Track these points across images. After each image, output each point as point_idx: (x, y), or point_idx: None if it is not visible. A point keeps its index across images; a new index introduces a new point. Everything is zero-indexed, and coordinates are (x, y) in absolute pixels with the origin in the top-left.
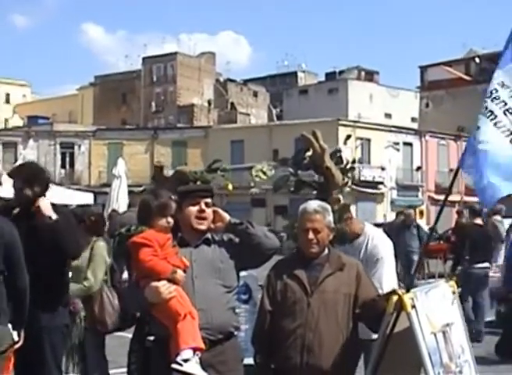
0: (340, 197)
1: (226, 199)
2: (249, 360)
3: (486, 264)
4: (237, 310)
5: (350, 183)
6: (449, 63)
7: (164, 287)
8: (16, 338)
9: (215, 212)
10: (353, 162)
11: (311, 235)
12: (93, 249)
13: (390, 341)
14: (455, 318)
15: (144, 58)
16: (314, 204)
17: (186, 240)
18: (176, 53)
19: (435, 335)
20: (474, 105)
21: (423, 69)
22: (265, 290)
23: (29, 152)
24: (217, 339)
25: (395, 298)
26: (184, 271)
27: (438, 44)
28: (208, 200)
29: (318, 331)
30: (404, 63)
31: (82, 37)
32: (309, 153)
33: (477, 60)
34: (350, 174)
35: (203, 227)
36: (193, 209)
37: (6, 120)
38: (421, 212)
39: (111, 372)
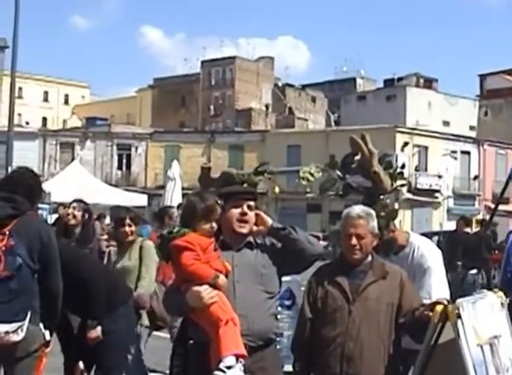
0: (388, 202)
1: (281, 204)
2: (289, 367)
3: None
4: (280, 316)
5: (405, 190)
6: (509, 71)
7: (206, 291)
8: (48, 338)
9: (257, 215)
10: (415, 169)
11: (353, 241)
12: (142, 249)
13: (434, 352)
14: (503, 330)
15: (202, 62)
16: (357, 209)
17: (228, 243)
18: (234, 57)
19: (481, 347)
20: None
21: (482, 77)
22: (306, 296)
23: (86, 153)
24: (257, 345)
25: (440, 307)
26: (226, 276)
27: (498, 52)
28: (251, 203)
29: (359, 340)
30: (463, 71)
31: (141, 39)
32: (358, 157)
33: None
34: (403, 181)
35: (244, 231)
36: (236, 212)
37: (65, 121)
38: (478, 222)
39: None
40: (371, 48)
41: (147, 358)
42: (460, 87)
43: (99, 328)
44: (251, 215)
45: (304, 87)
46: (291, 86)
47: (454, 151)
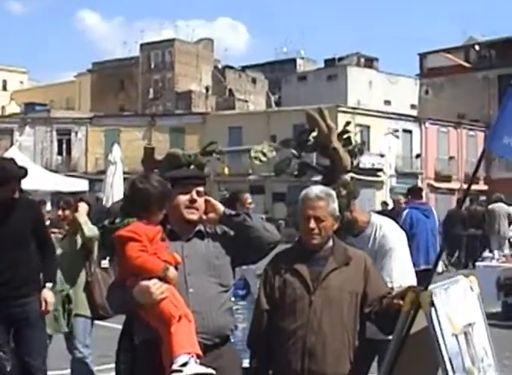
0: (348, 180)
1: (224, 186)
2: (246, 363)
3: None
4: (234, 307)
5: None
6: (448, 50)
7: (155, 286)
8: None
9: (207, 201)
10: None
11: (312, 224)
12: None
13: (405, 344)
14: (476, 317)
15: (141, 45)
16: (316, 189)
17: (177, 233)
18: (173, 39)
19: (456, 337)
20: (474, 92)
21: (422, 56)
22: (262, 286)
23: (25, 139)
24: (213, 343)
25: (411, 295)
26: (176, 268)
27: (437, 31)
28: (200, 188)
29: (321, 333)
30: (404, 50)
31: (79, 23)
32: (314, 133)
33: (476, 47)
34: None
35: (194, 217)
36: (183, 198)
37: (3, 107)
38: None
39: (100, 367)
40: (311, 28)
41: (94, 351)
42: (401, 66)
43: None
44: (201, 201)
45: (243, 68)
46: (231, 68)
47: (396, 130)
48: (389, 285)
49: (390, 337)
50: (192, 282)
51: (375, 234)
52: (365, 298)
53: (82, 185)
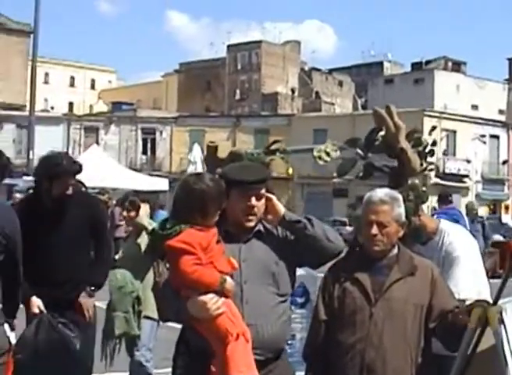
0: (417, 183)
1: (307, 189)
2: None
3: None
4: (292, 316)
5: (433, 175)
6: None
7: (211, 301)
8: (13, 341)
9: (268, 200)
10: (443, 153)
11: (374, 230)
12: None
13: (471, 363)
14: None
15: (228, 46)
16: (380, 192)
17: (234, 234)
18: (260, 41)
19: None
20: None
21: (511, 60)
22: (320, 295)
23: (110, 138)
24: (266, 359)
25: (478, 311)
26: (231, 276)
27: None
28: (261, 191)
29: (382, 348)
30: (492, 54)
31: (167, 24)
32: (382, 133)
33: None
34: (431, 162)
35: (251, 224)
36: (242, 204)
37: (91, 106)
38: (507, 208)
39: (161, 371)
40: (399, 31)
41: (155, 353)
42: (489, 70)
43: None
44: (260, 205)
45: (330, 71)
46: (318, 70)
47: (483, 136)
48: (456, 296)
49: (456, 354)
50: (248, 292)
51: (442, 241)
52: (431, 312)
53: (163, 185)
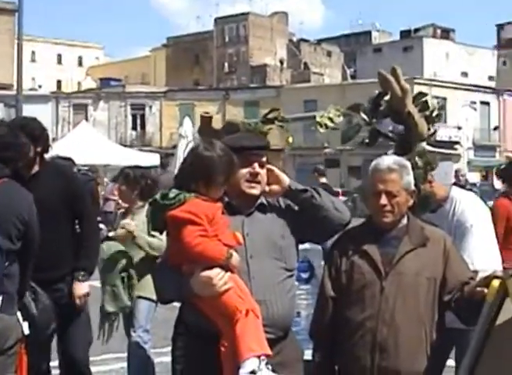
0: (426, 148)
1: (299, 159)
2: (309, 355)
3: None
4: (297, 292)
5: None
6: None
7: (218, 276)
8: (26, 331)
9: (270, 171)
10: (441, 108)
11: (383, 200)
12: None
13: (490, 336)
14: None
15: (215, 19)
16: (388, 160)
17: (235, 206)
18: (248, 13)
19: None
20: None
21: (500, 27)
22: (327, 269)
23: (99, 114)
24: (276, 337)
25: (496, 282)
26: (236, 251)
27: None
28: (263, 158)
29: (394, 325)
30: (481, 21)
31: None
32: (387, 97)
33: None
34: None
35: (255, 192)
36: (244, 172)
37: (79, 83)
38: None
39: (163, 350)
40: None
41: (153, 333)
42: (478, 37)
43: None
44: (263, 173)
45: (319, 41)
46: (306, 41)
47: (474, 102)
48: (471, 268)
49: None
50: (255, 267)
51: (454, 210)
52: (445, 285)
53: (154, 160)
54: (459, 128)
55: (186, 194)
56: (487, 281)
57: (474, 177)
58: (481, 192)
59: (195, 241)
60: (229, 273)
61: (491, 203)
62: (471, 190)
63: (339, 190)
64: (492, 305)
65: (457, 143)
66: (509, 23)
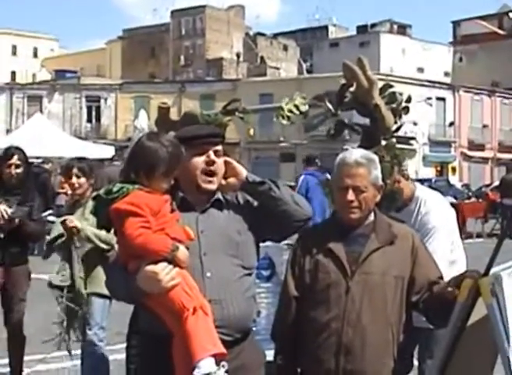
0: (394, 142)
1: (255, 153)
2: (270, 355)
3: None
4: (257, 290)
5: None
6: (482, 18)
7: (163, 271)
8: None
9: (227, 163)
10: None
11: (350, 195)
12: None
13: (462, 337)
14: None
15: (172, 12)
16: (356, 153)
17: (190, 202)
18: (204, 6)
19: None
20: (508, 59)
21: (456, 23)
22: (290, 268)
23: (54, 106)
24: (234, 339)
25: (468, 282)
26: (187, 247)
27: None
28: (219, 147)
29: (360, 326)
30: (437, 17)
31: None
32: (352, 88)
33: (510, 15)
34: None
35: (212, 187)
36: (199, 161)
37: (34, 75)
38: (453, 169)
39: (116, 347)
40: None
41: (107, 328)
42: (434, 33)
43: None
44: (220, 163)
45: (275, 35)
46: (262, 35)
47: (429, 98)
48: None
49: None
50: (209, 264)
51: (418, 210)
52: (413, 284)
53: (108, 152)
54: (415, 123)
55: (129, 186)
56: (458, 281)
57: (430, 173)
58: (436, 188)
59: (136, 232)
60: (176, 269)
61: (447, 199)
62: (429, 186)
63: (293, 184)
64: (463, 306)
65: (413, 138)
66: (465, 20)
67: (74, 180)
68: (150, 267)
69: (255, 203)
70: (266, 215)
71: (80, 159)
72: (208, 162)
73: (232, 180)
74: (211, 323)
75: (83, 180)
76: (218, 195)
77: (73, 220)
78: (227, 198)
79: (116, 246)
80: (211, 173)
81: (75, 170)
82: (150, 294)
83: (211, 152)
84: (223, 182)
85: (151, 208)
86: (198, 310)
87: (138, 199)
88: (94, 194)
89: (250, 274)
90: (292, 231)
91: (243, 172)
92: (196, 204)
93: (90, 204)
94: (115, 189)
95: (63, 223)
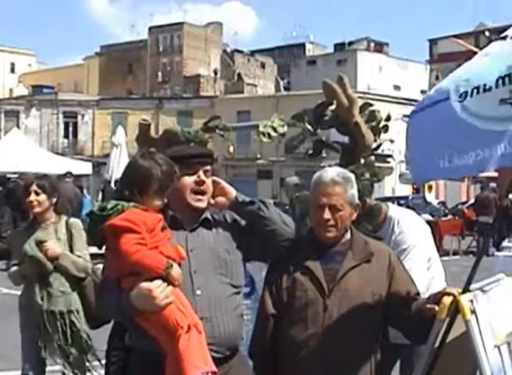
0: (373, 159)
1: (232, 171)
2: None
3: None
4: None
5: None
6: (458, 36)
7: (158, 289)
8: None
9: (215, 183)
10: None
11: (326, 214)
12: (70, 226)
13: (441, 354)
14: None
15: (150, 28)
16: (332, 172)
17: (179, 220)
18: (182, 23)
19: (498, 349)
20: None
21: (432, 41)
22: (267, 287)
23: (31, 121)
24: (223, 356)
25: (448, 300)
26: (179, 265)
27: (447, 17)
28: (208, 167)
29: (338, 344)
30: (414, 35)
31: (86, 6)
32: (332, 107)
33: (487, 33)
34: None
35: (201, 205)
36: (189, 180)
37: (11, 90)
38: (430, 187)
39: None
40: (320, 13)
41: None
42: (411, 51)
43: None
44: (209, 183)
45: (252, 52)
46: (240, 52)
47: (406, 116)
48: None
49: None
50: (199, 282)
51: (392, 230)
52: (390, 301)
53: (85, 168)
54: (391, 141)
55: (124, 203)
56: (437, 298)
57: (406, 190)
58: (413, 205)
59: (133, 248)
60: (170, 287)
61: (424, 216)
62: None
63: (271, 201)
64: (443, 323)
65: (390, 156)
66: (442, 38)
67: (32, 197)
68: (145, 284)
69: (243, 222)
70: (254, 234)
71: (42, 176)
72: (197, 182)
73: (221, 199)
74: (204, 341)
75: (42, 197)
76: (207, 214)
77: (55, 249)
78: (215, 217)
79: (99, 270)
80: (201, 192)
81: (34, 187)
82: (143, 311)
83: (201, 172)
84: (212, 201)
85: (147, 225)
86: (192, 328)
87: (134, 216)
88: (87, 212)
89: (238, 293)
90: (276, 250)
91: (233, 191)
92: (185, 222)
93: (63, 223)
94: (109, 206)
95: (40, 247)
